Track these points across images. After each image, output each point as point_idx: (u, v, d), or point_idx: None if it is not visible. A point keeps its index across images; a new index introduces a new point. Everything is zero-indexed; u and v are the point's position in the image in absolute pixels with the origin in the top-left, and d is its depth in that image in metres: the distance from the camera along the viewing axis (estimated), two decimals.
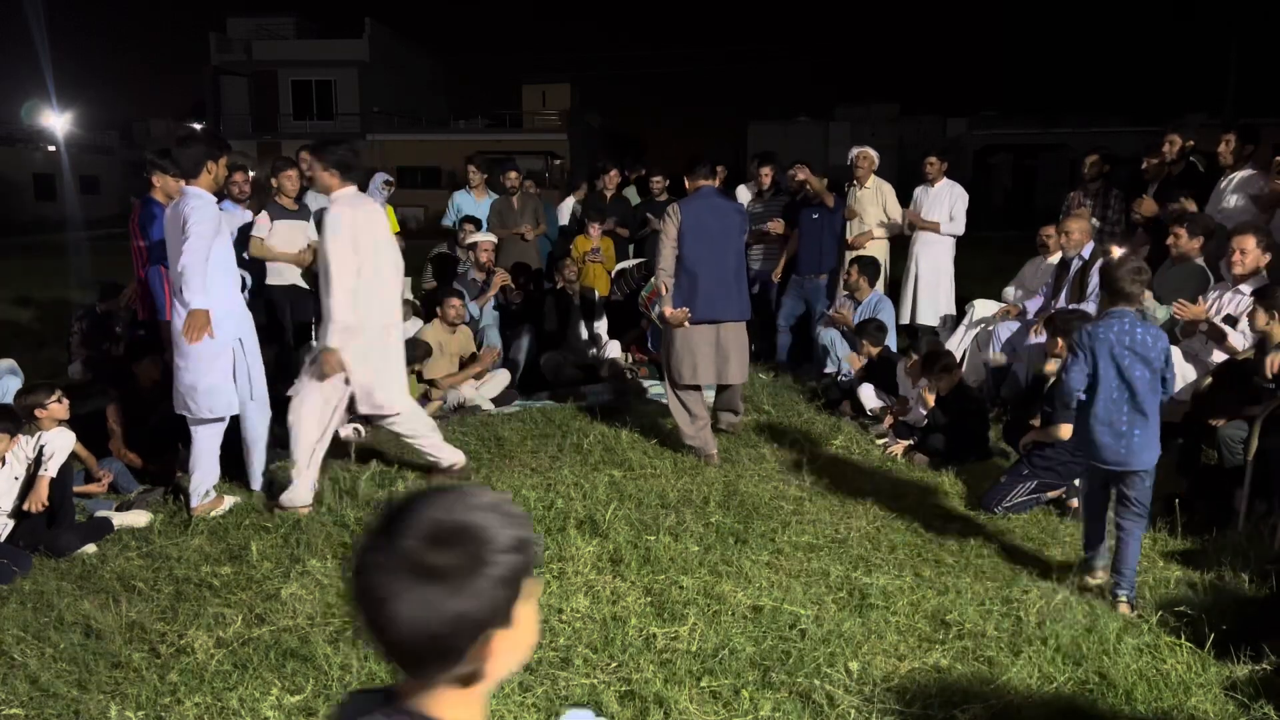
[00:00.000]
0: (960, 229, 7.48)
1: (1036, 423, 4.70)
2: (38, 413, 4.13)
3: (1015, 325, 6.22)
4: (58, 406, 4.19)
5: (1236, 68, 26.46)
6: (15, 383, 5.02)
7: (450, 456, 4.79)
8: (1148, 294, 5.27)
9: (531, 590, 1.01)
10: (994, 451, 5.20)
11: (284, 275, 6.34)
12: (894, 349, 6.49)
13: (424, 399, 6.19)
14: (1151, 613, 3.31)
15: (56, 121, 33.43)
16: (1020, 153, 35.05)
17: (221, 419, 4.37)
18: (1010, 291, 7.02)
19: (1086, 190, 7.27)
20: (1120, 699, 2.82)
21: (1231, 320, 4.87)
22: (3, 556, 3.69)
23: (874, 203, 7.60)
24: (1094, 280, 5.68)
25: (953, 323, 7.37)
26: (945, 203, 7.45)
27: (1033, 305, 6.23)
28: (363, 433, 5.53)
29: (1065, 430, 4.11)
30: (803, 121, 42.76)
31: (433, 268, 8.08)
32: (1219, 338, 4.80)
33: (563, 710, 1.33)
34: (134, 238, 5.00)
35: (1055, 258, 6.45)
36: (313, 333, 6.20)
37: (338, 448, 5.31)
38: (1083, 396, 3.52)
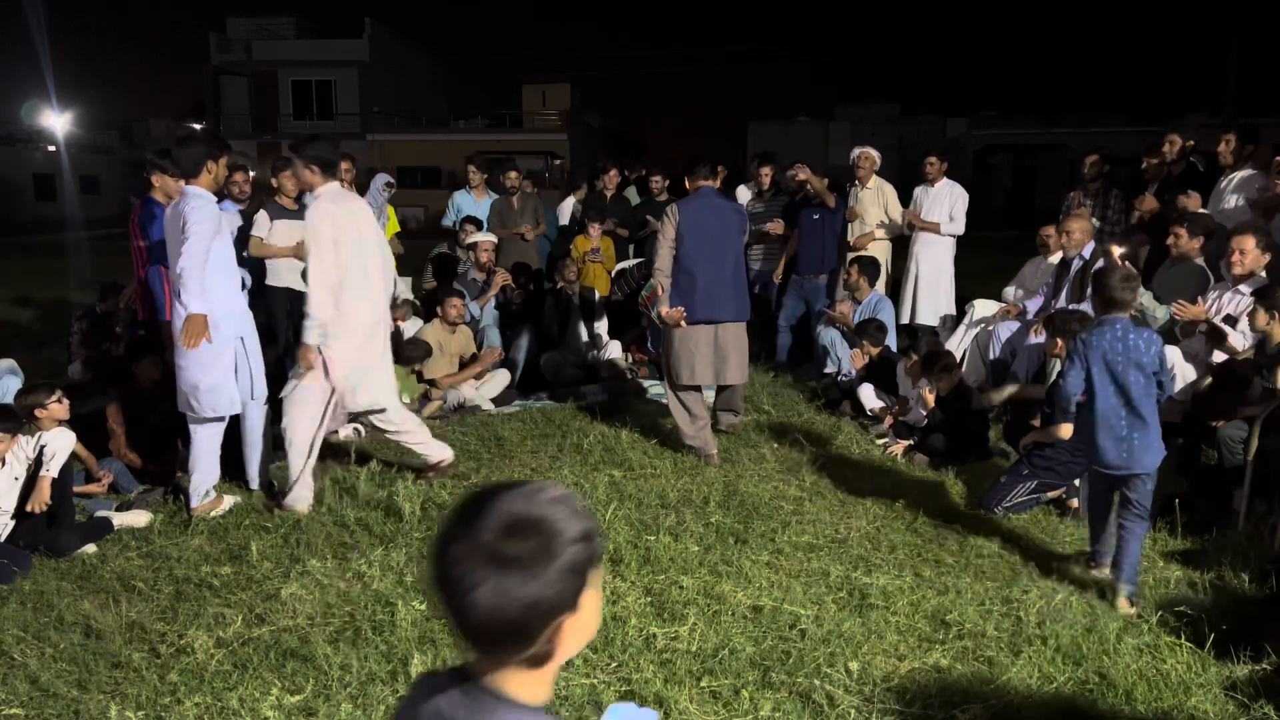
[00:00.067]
0: (960, 229, 7.48)
1: (1036, 423, 4.71)
2: (38, 413, 4.13)
3: (1015, 325, 6.22)
4: (58, 406, 4.19)
5: (1236, 68, 26.47)
6: (15, 383, 5.02)
7: (439, 453, 4.78)
8: (1147, 294, 5.28)
9: (596, 579, 1.07)
10: (994, 451, 5.20)
11: (282, 277, 6.34)
12: (894, 349, 6.49)
13: (424, 399, 6.19)
14: (1151, 613, 3.31)
15: (56, 121, 33.44)
16: (1020, 153, 35.05)
17: (222, 418, 4.38)
18: (1010, 291, 7.02)
19: (1086, 190, 7.27)
20: (1120, 699, 2.82)
21: (1231, 320, 4.87)
22: (3, 556, 3.69)
23: (875, 203, 7.59)
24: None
25: (953, 323, 7.37)
26: (945, 203, 7.45)
27: (1033, 305, 6.23)
28: (363, 433, 5.54)
29: (1065, 430, 4.11)
30: (803, 121, 42.77)
31: (433, 268, 8.08)
32: (1219, 338, 4.80)
33: (606, 706, 1.37)
34: (134, 238, 5.00)
35: (1056, 257, 6.45)
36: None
37: (338, 448, 5.31)
38: (1080, 398, 3.55)
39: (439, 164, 31.43)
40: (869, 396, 5.97)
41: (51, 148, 33.92)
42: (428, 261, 8.28)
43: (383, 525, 4.17)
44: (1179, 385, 4.85)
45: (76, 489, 4.33)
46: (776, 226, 7.58)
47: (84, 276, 12.50)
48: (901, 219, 7.53)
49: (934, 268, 7.50)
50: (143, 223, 4.95)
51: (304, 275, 6.33)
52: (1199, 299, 5.01)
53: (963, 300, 7.42)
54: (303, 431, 4.33)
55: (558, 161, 33.37)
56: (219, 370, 4.25)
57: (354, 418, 5.12)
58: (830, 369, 6.69)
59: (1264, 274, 5.00)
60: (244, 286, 4.89)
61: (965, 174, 27.74)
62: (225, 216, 4.66)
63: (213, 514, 4.29)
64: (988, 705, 2.78)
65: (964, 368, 6.15)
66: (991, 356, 6.24)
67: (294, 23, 36.61)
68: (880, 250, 7.59)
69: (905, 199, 7.72)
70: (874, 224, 7.56)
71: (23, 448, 3.98)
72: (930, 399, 5.21)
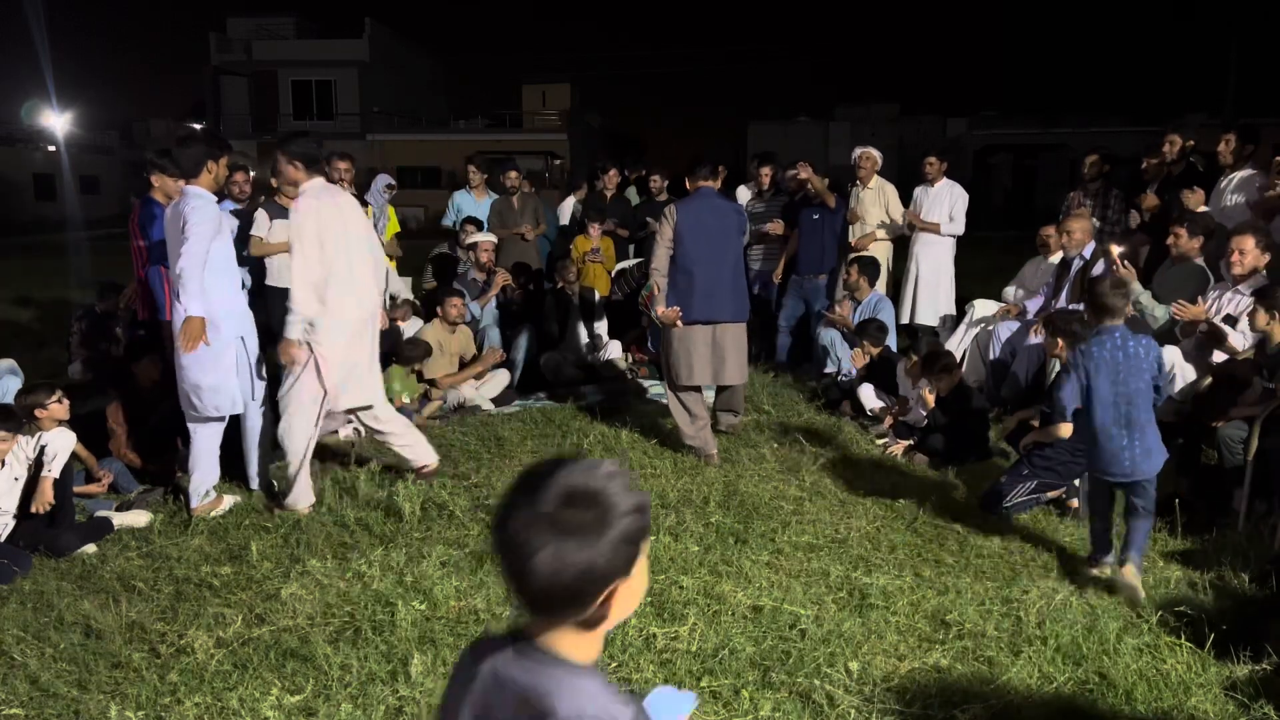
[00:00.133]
0: (960, 229, 7.48)
1: (1036, 423, 4.71)
2: (38, 413, 4.13)
3: (1015, 325, 6.22)
4: (58, 407, 4.19)
5: (1236, 68, 26.47)
6: (15, 383, 5.02)
7: (424, 457, 4.72)
8: (1145, 293, 5.29)
9: (646, 549, 1.15)
10: (994, 451, 5.20)
11: (283, 277, 6.31)
12: (894, 349, 6.49)
13: (424, 398, 6.19)
14: (1151, 613, 3.31)
15: (56, 121, 33.44)
16: (1020, 153, 35.06)
17: (223, 418, 4.38)
18: (1010, 291, 7.02)
19: (1086, 190, 7.27)
20: (1120, 699, 2.82)
21: (1231, 320, 4.87)
22: (3, 556, 3.69)
23: (876, 203, 7.59)
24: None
25: (953, 323, 7.37)
26: (945, 203, 7.45)
27: (1033, 305, 6.23)
28: (363, 433, 5.53)
29: (1065, 430, 4.11)
30: (803, 121, 42.78)
31: (433, 268, 8.08)
32: (1219, 338, 4.80)
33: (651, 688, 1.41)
34: (134, 238, 5.00)
35: (1056, 257, 6.45)
36: None
37: (338, 448, 5.31)
38: (1077, 404, 3.60)
39: (439, 164, 31.43)
40: (869, 396, 5.97)
41: (51, 148, 33.92)
42: (428, 261, 8.29)
43: (383, 525, 4.17)
44: (1179, 385, 4.85)
45: (77, 489, 4.33)
46: (776, 227, 7.58)
47: (84, 276, 12.51)
48: (902, 219, 7.54)
49: (934, 268, 7.50)
50: (143, 223, 4.95)
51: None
52: (1199, 299, 5.01)
53: (963, 300, 7.42)
54: (299, 432, 4.32)
55: (558, 161, 33.37)
56: (220, 370, 4.25)
57: (350, 414, 5.10)
58: (830, 369, 6.69)
59: (1264, 274, 5.00)
60: (243, 286, 4.89)
61: (965, 174, 27.74)
62: (225, 217, 4.65)
63: (213, 514, 4.29)
64: (988, 705, 2.78)
65: (964, 368, 6.15)
66: (991, 356, 6.24)
67: (294, 23, 36.61)
68: (881, 250, 7.59)
69: (905, 199, 7.72)
70: (875, 224, 7.56)
71: (23, 448, 3.98)
72: (930, 399, 5.21)
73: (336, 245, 4.25)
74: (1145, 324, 5.27)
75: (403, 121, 36.51)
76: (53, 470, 3.99)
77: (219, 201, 4.48)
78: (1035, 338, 5.73)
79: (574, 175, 17.90)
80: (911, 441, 5.29)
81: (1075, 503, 4.30)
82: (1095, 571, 3.68)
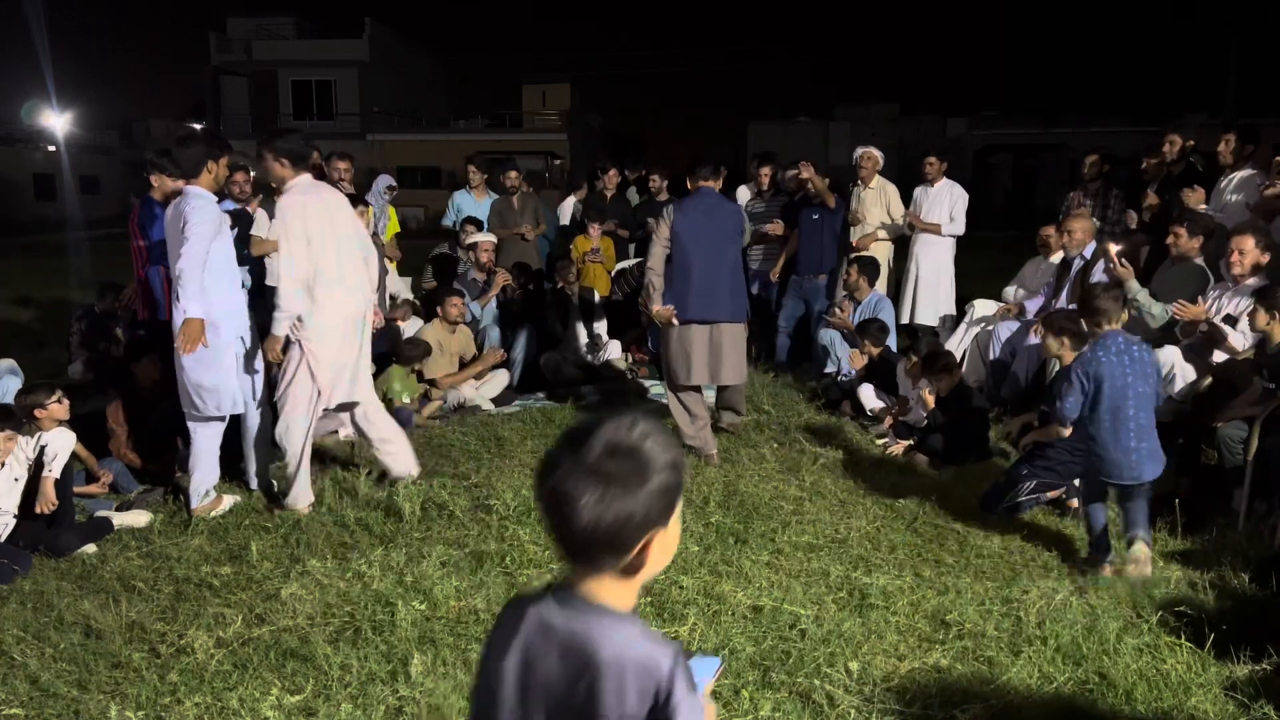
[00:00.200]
0: (960, 229, 7.48)
1: (1035, 422, 4.71)
2: (37, 413, 4.13)
3: (1015, 325, 6.22)
4: (57, 407, 4.19)
5: (1236, 68, 26.46)
6: (15, 383, 5.02)
7: (406, 468, 4.67)
8: (1143, 291, 5.30)
9: (679, 504, 1.22)
10: (994, 451, 5.20)
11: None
12: (894, 349, 6.49)
13: (424, 398, 6.19)
14: (1151, 613, 3.31)
15: (56, 121, 33.45)
16: (1020, 153, 35.06)
17: (223, 418, 4.38)
18: (1010, 291, 7.02)
19: (1086, 190, 7.27)
20: (1120, 699, 2.82)
21: (1231, 320, 4.87)
22: (3, 556, 3.69)
23: (878, 203, 7.59)
24: (1096, 280, 5.69)
25: (953, 323, 7.37)
26: (945, 203, 7.45)
27: (1033, 305, 6.23)
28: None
29: (1065, 429, 4.12)
30: (803, 121, 42.76)
31: (433, 268, 8.08)
32: (1219, 338, 4.80)
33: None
34: (134, 238, 5.00)
35: (1057, 257, 6.45)
36: None
37: (339, 449, 5.31)
38: (1079, 413, 3.67)
39: (439, 164, 31.43)
40: (869, 396, 5.97)
41: (51, 148, 33.92)
42: (428, 261, 8.29)
43: (383, 525, 4.17)
44: (1179, 385, 4.85)
45: (77, 489, 4.33)
46: (776, 227, 7.58)
47: (84, 276, 12.51)
48: (902, 220, 7.54)
49: (934, 268, 7.50)
50: (143, 223, 4.95)
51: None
52: (1199, 299, 5.01)
53: (963, 300, 7.42)
54: (297, 431, 4.32)
55: (558, 161, 33.38)
56: (220, 370, 4.25)
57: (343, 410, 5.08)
58: (830, 369, 6.69)
59: (1264, 274, 5.00)
60: (243, 286, 4.89)
61: (965, 174, 27.74)
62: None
63: (213, 514, 4.29)
64: (988, 705, 2.78)
65: (964, 368, 6.15)
66: (991, 356, 6.24)
67: (294, 23, 36.61)
68: (881, 250, 7.60)
69: (905, 199, 7.72)
70: (876, 224, 7.56)
71: (23, 448, 3.98)
72: (930, 399, 5.21)
73: (324, 242, 4.21)
74: (1144, 323, 5.28)
75: (403, 121, 36.51)
76: (53, 470, 3.99)
77: (219, 201, 4.48)
78: (1035, 338, 5.73)
79: (574, 175, 17.91)
80: (911, 441, 5.29)
81: (1075, 503, 4.30)
82: (1096, 571, 3.68)
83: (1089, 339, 3.83)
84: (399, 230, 8.32)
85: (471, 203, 8.27)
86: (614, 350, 7.44)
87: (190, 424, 4.36)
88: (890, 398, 5.92)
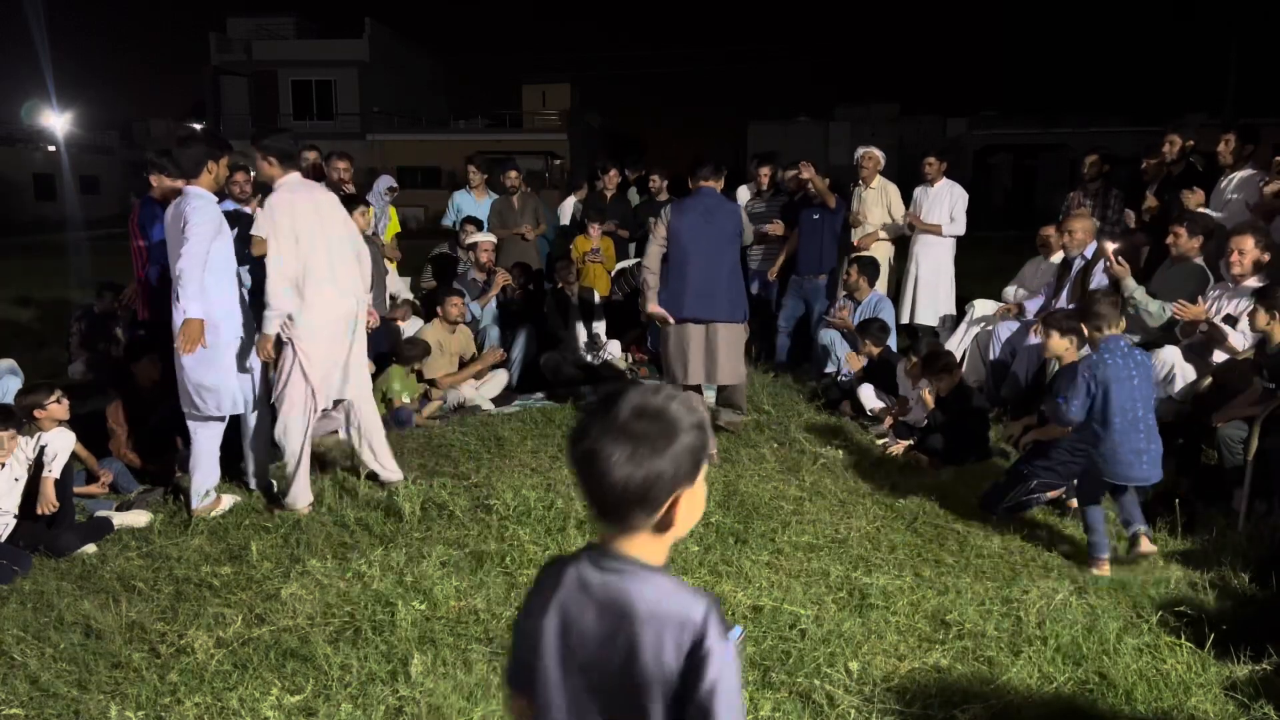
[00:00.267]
0: (961, 229, 7.48)
1: (1034, 422, 4.71)
2: (36, 413, 4.13)
3: (1015, 325, 6.22)
4: (57, 407, 4.19)
5: (1236, 68, 26.46)
6: (15, 383, 5.02)
7: (390, 474, 4.68)
8: (1140, 288, 5.31)
9: (704, 466, 1.28)
10: (994, 451, 5.20)
11: None
12: (894, 349, 6.49)
13: (424, 398, 6.19)
14: (1151, 613, 3.31)
15: (56, 121, 33.45)
16: (1020, 153, 35.06)
17: (222, 418, 4.38)
18: (1010, 291, 7.02)
19: (1086, 190, 7.27)
20: (1120, 699, 2.82)
21: (1231, 320, 4.87)
22: (3, 556, 3.69)
23: (879, 203, 7.59)
24: (1096, 280, 5.69)
25: (953, 323, 7.37)
26: (945, 203, 7.45)
27: (1033, 305, 6.23)
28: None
29: (1064, 429, 4.13)
30: (803, 121, 42.76)
31: (432, 268, 8.08)
32: (1219, 338, 4.80)
33: None
34: (134, 238, 4.99)
35: (1057, 257, 6.45)
36: None
37: (339, 449, 5.31)
38: (1083, 417, 3.74)
39: (439, 164, 31.44)
40: (869, 396, 5.97)
41: (51, 148, 33.92)
42: (427, 261, 8.29)
43: (383, 525, 4.17)
44: (1179, 385, 4.85)
45: (77, 489, 4.33)
46: (776, 227, 7.58)
47: (84, 276, 12.51)
48: (903, 220, 7.54)
49: (934, 268, 7.50)
50: (143, 223, 4.95)
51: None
52: (1199, 299, 5.01)
53: (963, 300, 7.42)
54: (295, 431, 4.32)
55: (558, 161, 33.38)
56: (221, 370, 4.25)
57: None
58: (830, 369, 6.69)
59: (1264, 274, 5.00)
60: (243, 285, 4.89)
61: (965, 174, 27.76)
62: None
63: (213, 514, 4.29)
64: (988, 705, 2.78)
65: (964, 368, 6.15)
66: (991, 356, 6.24)
67: (294, 23, 36.61)
68: (882, 251, 7.59)
69: (906, 199, 7.72)
70: (877, 224, 7.56)
71: (23, 448, 3.98)
72: (930, 399, 5.21)
73: (313, 241, 4.20)
74: (1143, 322, 5.29)
75: (403, 121, 36.51)
76: (53, 471, 3.99)
77: (219, 201, 4.48)
78: (1035, 338, 5.73)
79: (574, 175, 17.90)
80: (911, 441, 5.29)
81: (1075, 503, 4.30)
82: (1096, 571, 3.69)
83: (1090, 343, 3.85)
84: (399, 230, 8.32)
85: (471, 203, 8.27)
86: (614, 350, 7.44)
87: (190, 424, 4.36)
88: (890, 398, 5.92)
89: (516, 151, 28.93)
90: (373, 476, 4.72)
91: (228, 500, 4.41)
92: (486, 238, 7.63)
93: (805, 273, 7.36)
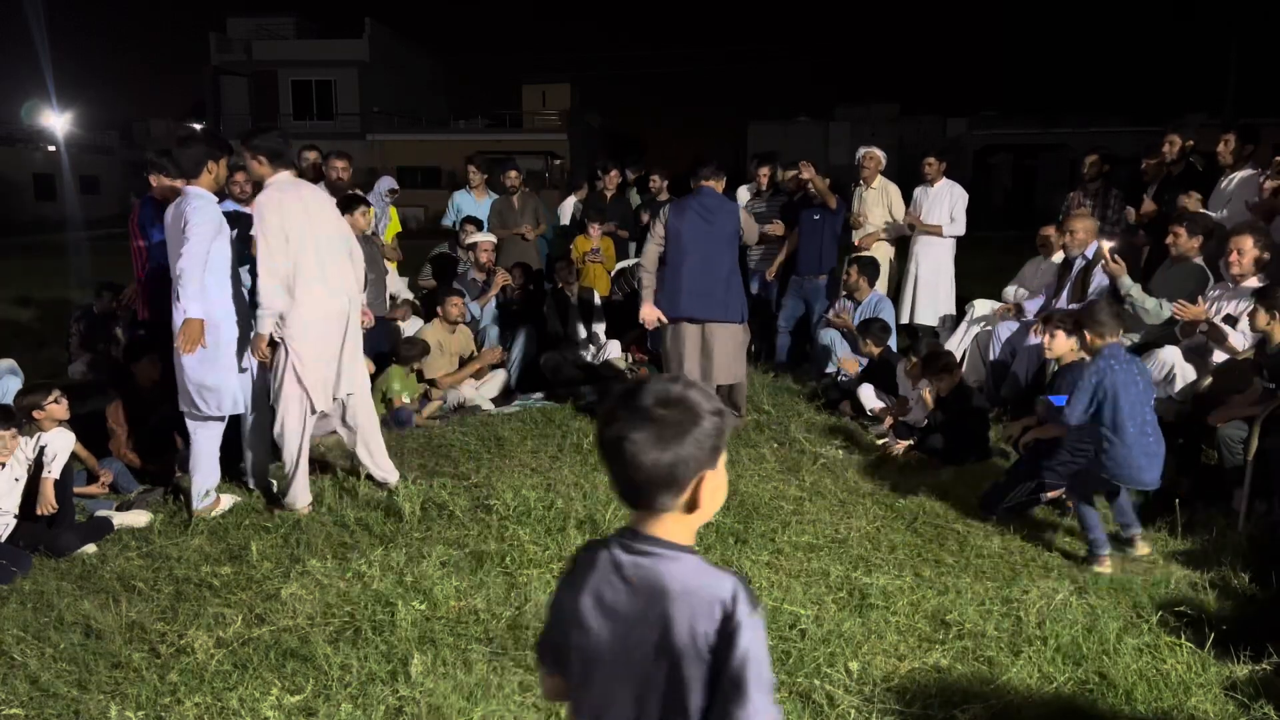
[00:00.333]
0: (961, 230, 7.48)
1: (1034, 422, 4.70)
2: (35, 414, 4.13)
3: (1015, 325, 6.22)
4: (56, 407, 4.19)
5: (1236, 68, 26.45)
6: (15, 383, 5.02)
7: (387, 474, 4.68)
8: (1136, 285, 5.34)
9: (725, 449, 1.35)
10: (994, 451, 5.20)
11: None
12: (894, 349, 6.49)
13: (424, 398, 6.19)
14: (1151, 613, 3.31)
15: (56, 121, 33.46)
16: (1020, 153, 35.06)
17: (222, 418, 4.38)
18: (1010, 291, 7.02)
19: (1086, 190, 7.27)
20: (1120, 699, 2.82)
21: (1231, 320, 4.87)
22: (3, 556, 3.69)
23: (879, 204, 7.59)
24: (1096, 280, 5.70)
25: (953, 323, 7.37)
26: (945, 203, 7.44)
27: (1033, 305, 6.23)
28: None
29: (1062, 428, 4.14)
30: (803, 121, 42.76)
31: (432, 268, 8.08)
32: (1219, 339, 4.80)
33: None
34: (134, 238, 4.99)
35: (1057, 257, 6.45)
36: None
37: (339, 448, 5.31)
38: (1085, 419, 3.77)
39: (439, 164, 31.44)
40: (869, 396, 5.97)
41: (51, 148, 33.92)
42: (427, 261, 8.29)
43: (383, 525, 4.17)
44: (1179, 385, 4.85)
45: (77, 489, 4.33)
46: (776, 228, 7.58)
47: (84, 276, 12.51)
48: (904, 221, 7.53)
49: (934, 268, 7.50)
50: (142, 223, 4.95)
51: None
52: (1199, 299, 5.01)
53: (963, 300, 7.42)
54: (292, 431, 4.32)
55: (558, 161, 33.38)
56: (222, 370, 4.25)
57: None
58: (830, 369, 6.69)
59: (1264, 274, 5.00)
60: (242, 285, 4.89)
61: (965, 174, 27.76)
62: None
63: (213, 514, 4.29)
64: (988, 705, 2.78)
65: (964, 368, 6.15)
66: (991, 357, 6.24)
67: (294, 23, 36.61)
68: (883, 251, 7.59)
69: (906, 200, 7.72)
70: (878, 225, 7.56)
71: (23, 448, 3.98)
72: (930, 399, 5.21)
73: (302, 240, 4.18)
74: (1141, 320, 5.30)
75: (403, 121, 36.51)
76: (52, 471, 3.99)
77: (219, 201, 4.48)
78: (1035, 338, 5.73)
79: (574, 175, 17.90)
80: (911, 441, 5.29)
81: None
82: (1097, 568, 3.69)
83: (1089, 350, 3.86)
84: (399, 230, 8.32)
85: (471, 203, 8.27)
86: (614, 350, 7.43)
87: (189, 424, 4.36)
88: (890, 398, 5.92)
89: (516, 151, 28.93)
90: (371, 476, 4.72)
91: (228, 500, 4.41)
92: (486, 238, 7.63)
93: (805, 273, 7.36)
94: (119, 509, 4.39)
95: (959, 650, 3.10)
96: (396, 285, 7.47)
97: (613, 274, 8.19)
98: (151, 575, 3.71)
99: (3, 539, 3.85)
